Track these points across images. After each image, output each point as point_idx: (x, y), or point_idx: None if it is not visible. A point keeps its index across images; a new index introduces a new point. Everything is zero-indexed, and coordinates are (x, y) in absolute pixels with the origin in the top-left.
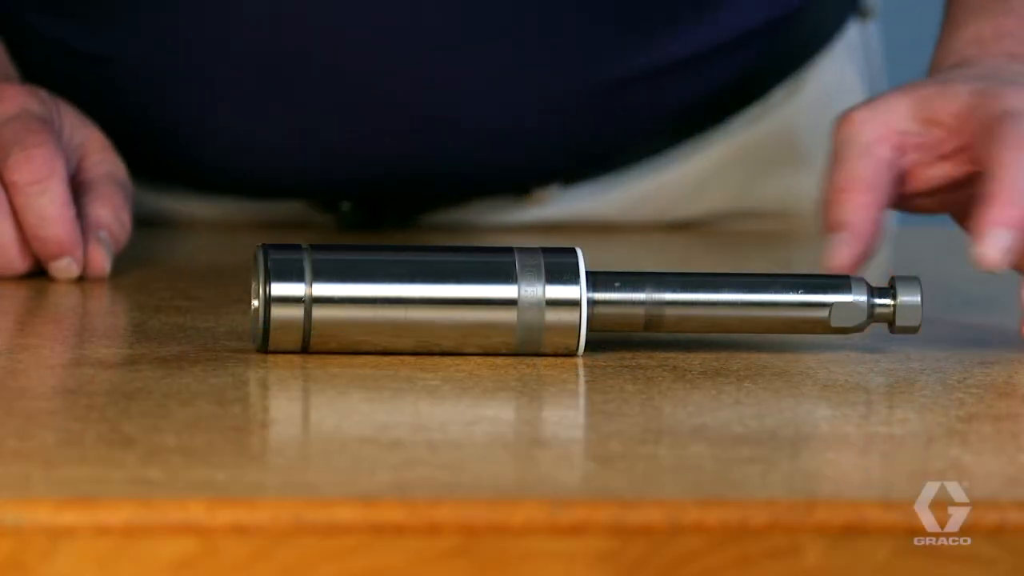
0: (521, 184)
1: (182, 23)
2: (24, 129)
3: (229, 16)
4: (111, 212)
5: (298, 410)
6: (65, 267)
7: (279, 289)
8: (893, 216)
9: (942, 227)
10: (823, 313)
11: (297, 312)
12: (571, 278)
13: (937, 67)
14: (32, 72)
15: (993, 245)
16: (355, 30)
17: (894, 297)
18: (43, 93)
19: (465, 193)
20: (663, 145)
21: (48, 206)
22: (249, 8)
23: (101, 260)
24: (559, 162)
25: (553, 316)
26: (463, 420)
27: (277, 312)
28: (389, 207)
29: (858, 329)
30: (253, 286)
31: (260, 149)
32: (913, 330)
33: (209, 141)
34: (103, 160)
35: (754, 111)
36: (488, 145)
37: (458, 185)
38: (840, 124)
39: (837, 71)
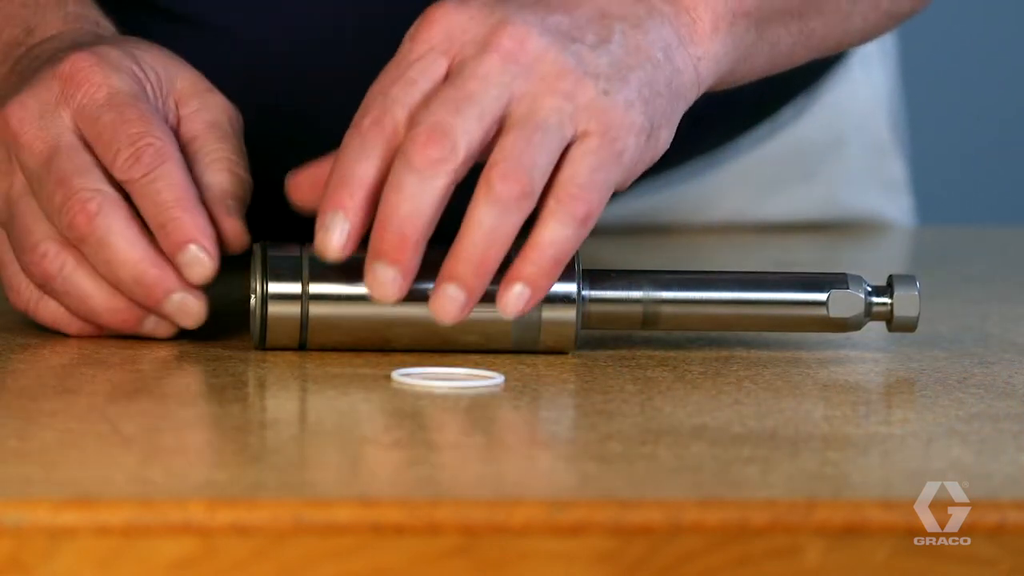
0: None
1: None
2: (121, 120)
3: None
4: (227, 174)
5: (298, 410)
6: (192, 257)
7: (277, 286)
8: (897, 216)
9: (942, 227)
10: (820, 310)
11: (294, 309)
12: (567, 275)
13: None
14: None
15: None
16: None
17: (891, 295)
18: (116, 53)
19: None
20: (674, 163)
21: (164, 190)
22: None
23: (239, 231)
24: None
25: (549, 313)
26: (463, 420)
27: (275, 309)
28: None
29: (856, 325)
30: (251, 283)
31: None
32: (910, 327)
33: None
34: (201, 106)
35: (763, 129)
36: None
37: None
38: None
39: (849, 84)
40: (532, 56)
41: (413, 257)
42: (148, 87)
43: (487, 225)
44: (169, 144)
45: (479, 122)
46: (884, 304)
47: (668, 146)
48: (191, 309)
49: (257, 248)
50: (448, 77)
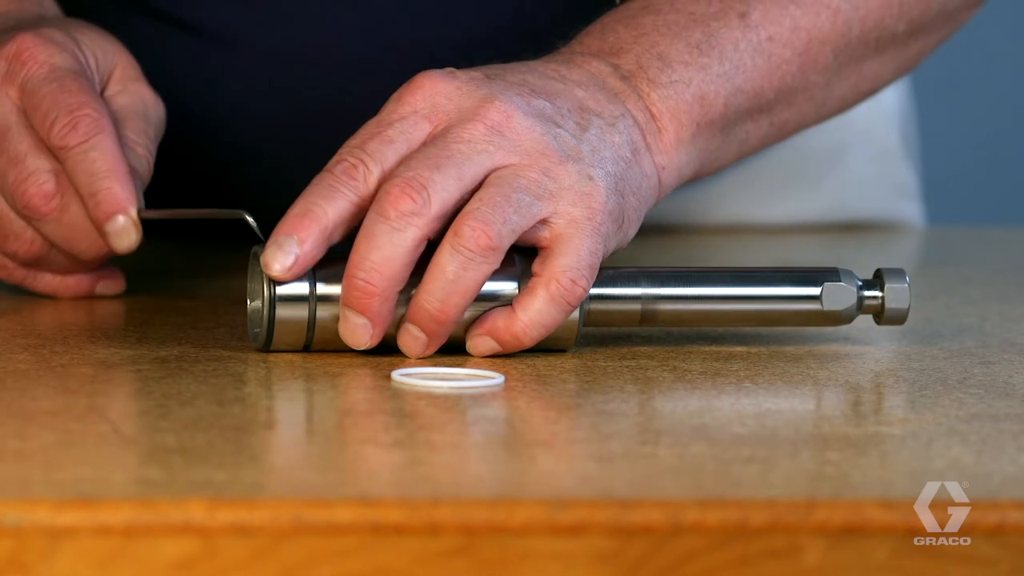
0: None
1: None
2: (61, 91)
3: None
4: (131, 150)
5: (298, 410)
6: (122, 227)
7: (284, 288)
8: (907, 222)
9: (942, 227)
10: (815, 304)
11: (302, 312)
12: None
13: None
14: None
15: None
16: (382, 70)
17: (882, 288)
18: (59, 35)
19: None
20: None
21: (98, 160)
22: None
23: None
24: None
25: None
26: (463, 420)
27: (282, 312)
28: None
29: (848, 318)
30: (250, 286)
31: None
32: (901, 320)
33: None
34: (125, 90)
35: None
36: None
37: None
38: None
39: None
40: (517, 132)
41: (381, 307)
42: (87, 67)
43: (449, 273)
44: (105, 117)
45: (457, 182)
46: (875, 297)
47: (628, 242)
48: (131, 235)
49: (258, 249)
50: (430, 139)
